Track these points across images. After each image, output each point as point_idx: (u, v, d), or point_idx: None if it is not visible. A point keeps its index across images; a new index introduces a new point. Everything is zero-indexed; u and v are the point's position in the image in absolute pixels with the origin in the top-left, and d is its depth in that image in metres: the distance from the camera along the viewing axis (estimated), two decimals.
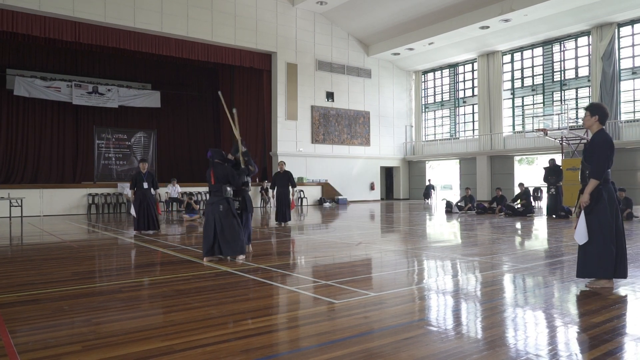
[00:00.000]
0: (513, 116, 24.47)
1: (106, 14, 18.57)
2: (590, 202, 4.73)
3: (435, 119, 28.62)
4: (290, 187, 12.33)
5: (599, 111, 4.84)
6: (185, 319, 3.86)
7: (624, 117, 20.15)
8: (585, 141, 19.11)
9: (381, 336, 3.42)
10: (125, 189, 18.63)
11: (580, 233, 4.72)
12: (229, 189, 6.80)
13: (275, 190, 12.58)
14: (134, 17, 19.21)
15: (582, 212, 4.74)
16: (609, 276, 4.70)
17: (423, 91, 29.00)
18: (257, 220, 14.62)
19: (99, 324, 3.79)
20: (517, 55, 24.26)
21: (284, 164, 12.74)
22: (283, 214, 12.35)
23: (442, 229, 11.69)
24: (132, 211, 10.49)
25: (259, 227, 12.19)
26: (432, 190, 26.29)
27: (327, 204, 22.73)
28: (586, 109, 4.95)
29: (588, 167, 4.75)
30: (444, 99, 28.07)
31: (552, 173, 14.41)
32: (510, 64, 24.57)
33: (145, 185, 10.50)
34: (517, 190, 16.48)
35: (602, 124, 4.86)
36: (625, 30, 20.21)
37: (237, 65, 22.86)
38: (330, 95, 25.08)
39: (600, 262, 4.66)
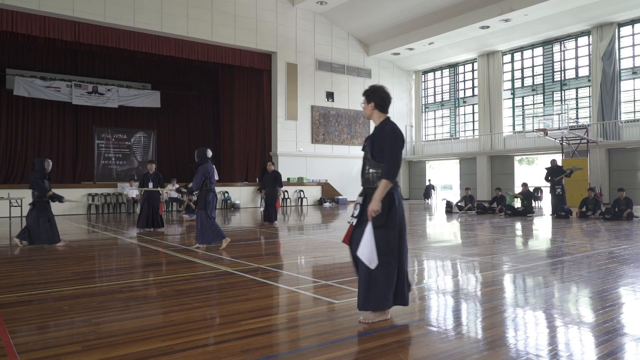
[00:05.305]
0: (513, 116, 24.46)
1: (106, 14, 18.56)
2: (380, 212, 3.58)
3: (435, 119, 28.60)
4: (277, 187, 12.45)
5: (375, 97, 3.81)
6: (185, 319, 3.86)
7: (624, 117, 20.14)
8: (585, 141, 19.14)
9: (381, 336, 3.42)
10: (125, 189, 18.64)
11: (368, 253, 3.48)
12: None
13: (264, 191, 12.77)
14: (134, 17, 19.20)
15: (369, 225, 3.54)
16: (389, 306, 3.69)
17: (423, 91, 28.99)
18: (253, 219, 14.61)
19: (99, 324, 3.79)
20: (517, 55, 24.26)
21: (272, 164, 12.95)
22: (269, 214, 12.43)
23: (442, 229, 11.68)
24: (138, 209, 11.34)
25: (255, 226, 12.18)
26: (432, 190, 26.26)
27: (327, 204, 22.73)
28: (363, 94, 3.91)
29: (373, 163, 3.71)
30: (444, 99, 28.06)
31: (554, 173, 14.46)
32: (510, 64, 24.56)
33: (151, 185, 11.51)
34: (518, 190, 16.47)
35: (383, 112, 3.83)
36: (626, 30, 20.21)
37: (237, 65, 22.84)
38: (330, 95, 25.08)
39: (387, 290, 3.61)
